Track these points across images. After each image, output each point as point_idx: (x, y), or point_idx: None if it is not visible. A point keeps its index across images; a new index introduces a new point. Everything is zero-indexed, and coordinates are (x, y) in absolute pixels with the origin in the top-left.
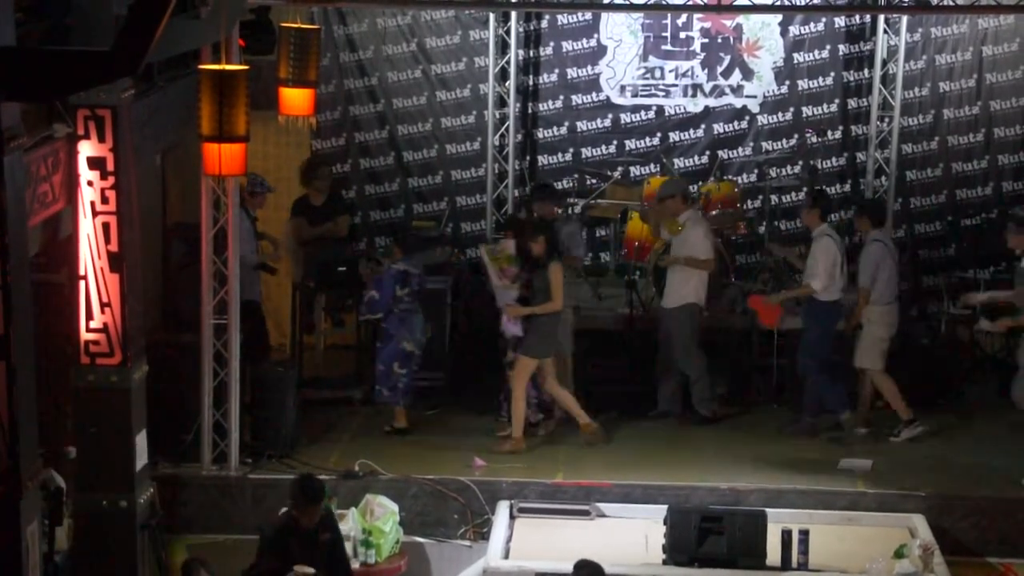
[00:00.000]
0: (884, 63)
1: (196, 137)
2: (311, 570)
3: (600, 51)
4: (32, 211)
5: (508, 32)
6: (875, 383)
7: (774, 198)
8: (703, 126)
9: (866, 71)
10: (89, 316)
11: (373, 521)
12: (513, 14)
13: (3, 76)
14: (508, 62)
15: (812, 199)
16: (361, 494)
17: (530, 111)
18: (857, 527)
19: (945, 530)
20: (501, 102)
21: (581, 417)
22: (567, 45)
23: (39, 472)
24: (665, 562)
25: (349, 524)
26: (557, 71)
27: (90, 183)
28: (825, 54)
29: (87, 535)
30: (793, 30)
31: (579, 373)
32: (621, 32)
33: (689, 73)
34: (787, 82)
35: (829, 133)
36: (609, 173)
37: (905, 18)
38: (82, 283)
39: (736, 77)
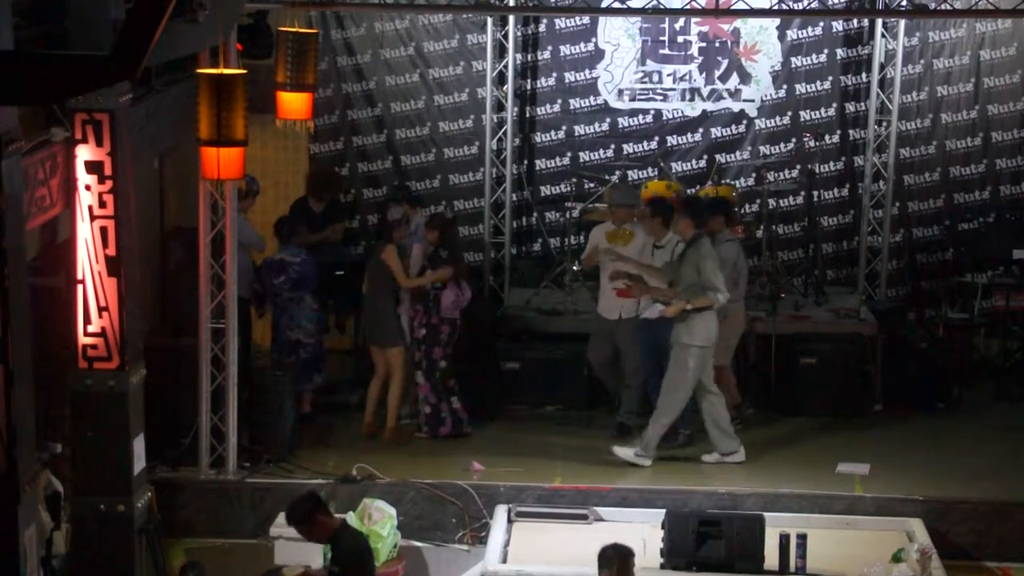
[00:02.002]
0: (882, 67)
1: (194, 141)
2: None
3: (598, 55)
4: (30, 215)
5: (506, 36)
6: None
7: (772, 202)
8: (701, 130)
9: (864, 75)
10: (87, 320)
11: (371, 525)
12: (511, 18)
13: (1, 80)
14: (506, 66)
15: (655, 209)
16: (359, 498)
17: (528, 115)
18: (855, 531)
19: (943, 534)
20: (499, 106)
21: (368, 414)
22: (565, 49)
23: (36, 476)
24: (663, 566)
25: None
26: (555, 75)
27: (88, 187)
28: (823, 58)
29: (85, 539)
30: (791, 34)
31: (576, 375)
32: (619, 36)
33: (687, 77)
34: (785, 86)
35: (827, 137)
36: (607, 177)
37: (903, 22)
38: (80, 287)
39: (734, 81)
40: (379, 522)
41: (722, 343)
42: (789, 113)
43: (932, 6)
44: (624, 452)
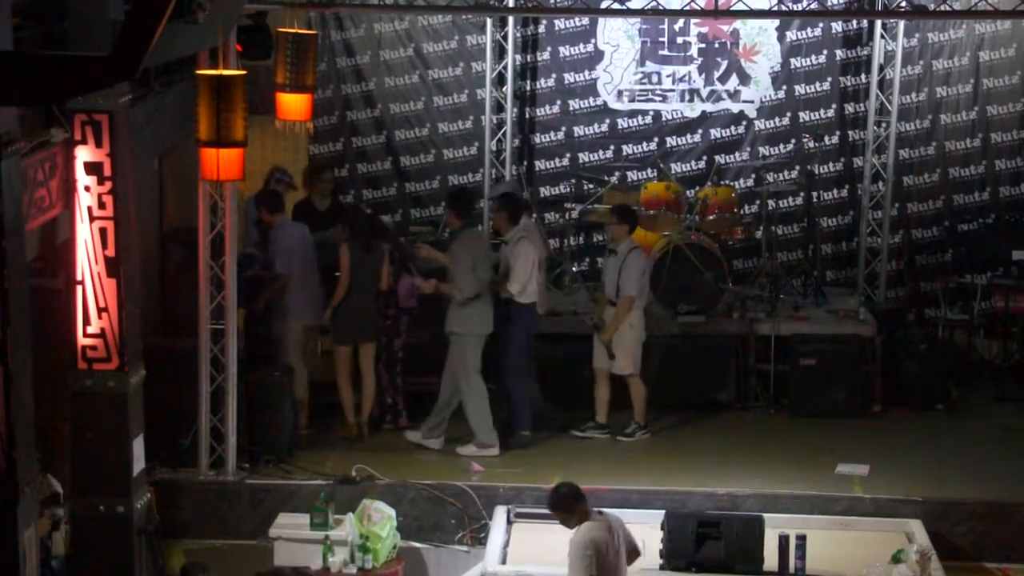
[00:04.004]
0: (881, 68)
1: (193, 142)
2: None
3: (597, 56)
4: (29, 216)
5: (505, 37)
6: (630, 384)
7: (771, 203)
8: (700, 131)
9: (863, 76)
10: (86, 321)
11: (370, 526)
12: (510, 19)
13: (0, 81)
14: (505, 67)
15: (499, 205)
16: (358, 499)
17: (527, 116)
18: (854, 532)
19: (942, 535)
20: (498, 107)
21: (349, 416)
22: (564, 50)
23: (35, 477)
24: (662, 567)
25: (347, 529)
26: (554, 76)
27: (87, 188)
28: (822, 59)
29: (84, 540)
30: (790, 35)
31: (576, 377)
32: (618, 37)
33: (686, 78)
34: (784, 87)
35: (826, 138)
36: (606, 178)
37: (902, 23)
38: (79, 288)
39: (733, 82)
40: (378, 523)
41: (629, 352)
42: (788, 114)
43: (931, 7)
44: (466, 449)
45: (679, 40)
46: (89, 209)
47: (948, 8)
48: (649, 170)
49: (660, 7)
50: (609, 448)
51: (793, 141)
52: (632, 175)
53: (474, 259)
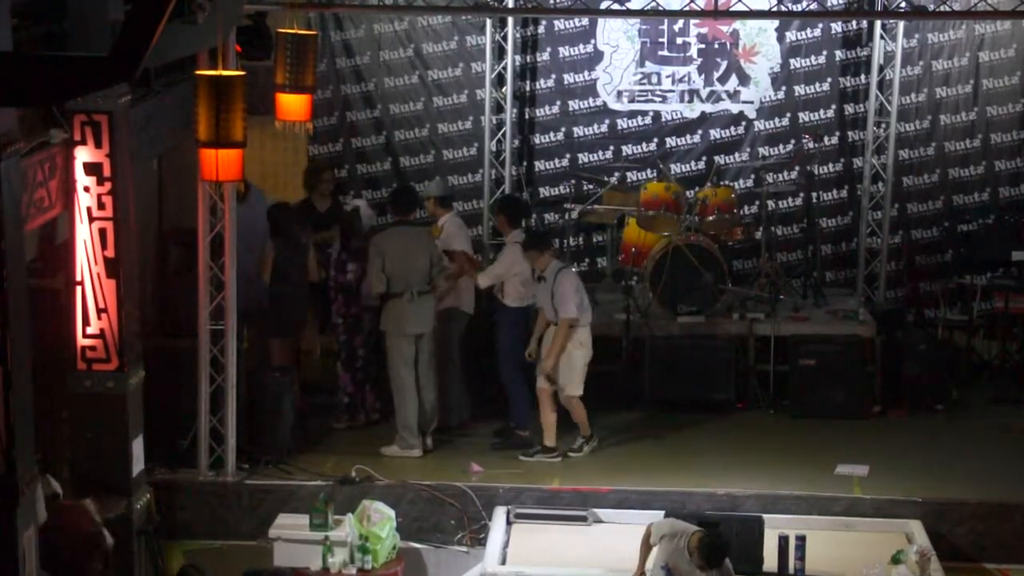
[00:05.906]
0: (881, 69)
1: (193, 142)
2: None
3: (597, 57)
4: (29, 216)
5: (505, 37)
6: (572, 407)
7: (771, 203)
8: (700, 132)
9: (863, 77)
10: (86, 322)
11: (370, 527)
12: (510, 20)
13: (0, 81)
14: (505, 67)
15: (499, 208)
16: (358, 500)
17: (527, 116)
18: (854, 533)
19: (942, 536)
20: (498, 107)
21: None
22: (564, 50)
23: (35, 478)
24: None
25: (346, 530)
26: (554, 76)
27: (87, 188)
28: (822, 60)
29: None
30: (790, 36)
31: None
32: (618, 38)
33: (686, 79)
34: (784, 87)
35: (826, 139)
36: (606, 178)
37: (902, 24)
38: (79, 288)
39: (733, 83)
40: (378, 523)
41: (579, 375)
42: (788, 115)
43: (931, 8)
44: (390, 450)
45: (679, 41)
46: (88, 210)
47: (948, 8)
48: (649, 170)
49: (660, 7)
50: (608, 449)
51: (793, 142)
52: (632, 175)
53: (383, 258)
